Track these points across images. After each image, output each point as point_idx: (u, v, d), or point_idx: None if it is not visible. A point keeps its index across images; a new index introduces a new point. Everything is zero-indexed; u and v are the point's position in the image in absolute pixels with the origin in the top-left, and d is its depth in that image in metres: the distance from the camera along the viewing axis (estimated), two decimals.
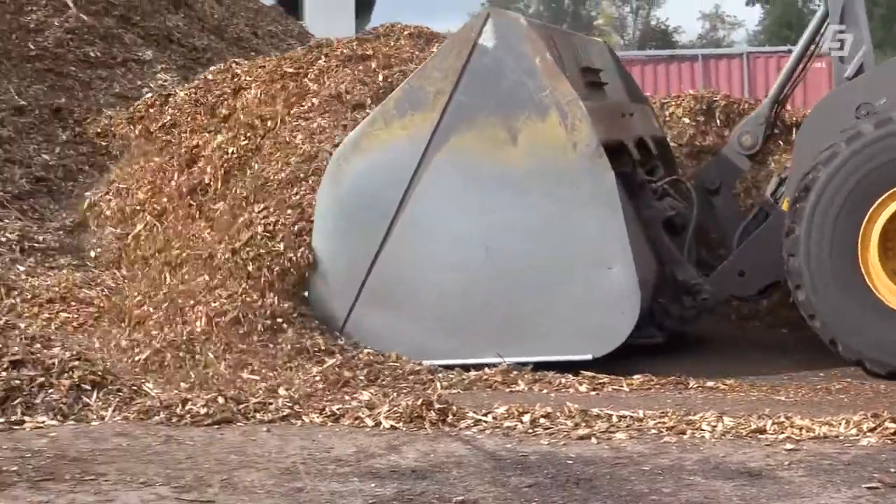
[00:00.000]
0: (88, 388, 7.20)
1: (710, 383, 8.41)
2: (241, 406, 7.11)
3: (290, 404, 7.21)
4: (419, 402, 7.03)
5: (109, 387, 7.27)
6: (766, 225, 9.51)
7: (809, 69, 10.27)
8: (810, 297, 8.69)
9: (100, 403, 7.12)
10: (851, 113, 9.21)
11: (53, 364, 7.27)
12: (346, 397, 7.61)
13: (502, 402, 7.39)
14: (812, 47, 10.02)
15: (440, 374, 8.26)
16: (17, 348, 7.38)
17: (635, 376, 8.46)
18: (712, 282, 9.52)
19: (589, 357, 8.49)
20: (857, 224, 8.58)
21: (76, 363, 7.33)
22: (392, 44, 10.88)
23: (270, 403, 7.19)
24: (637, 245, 8.85)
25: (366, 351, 8.45)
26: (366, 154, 8.87)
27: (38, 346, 7.62)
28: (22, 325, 8.01)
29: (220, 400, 7.13)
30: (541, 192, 8.66)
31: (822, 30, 9.77)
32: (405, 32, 11.16)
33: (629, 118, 10.03)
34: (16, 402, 6.96)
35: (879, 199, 8.56)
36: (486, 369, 8.39)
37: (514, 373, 8.38)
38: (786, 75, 10.21)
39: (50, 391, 7.09)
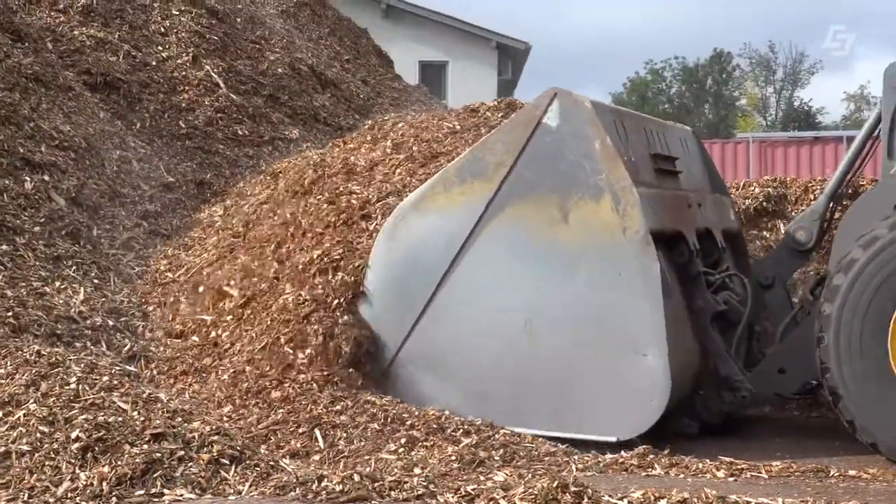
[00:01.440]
0: (227, 462, 7.28)
1: (851, 472, 8.25)
2: (376, 484, 7.13)
3: (425, 483, 7.21)
4: (555, 484, 6.98)
5: (247, 461, 7.35)
6: (806, 323, 9.46)
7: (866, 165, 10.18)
8: (834, 375, 8.70)
9: (237, 478, 7.19)
10: (891, 206, 9.21)
11: (193, 438, 7.38)
12: (481, 478, 7.59)
13: (638, 486, 7.30)
14: (870, 144, 9.95)
15: (576, 457, 8.21)
16: (158, 421, 7.51)
17: (774, 462, 8.34)
18: (753, 379, 9.53)
19: (613, 440, 8.58)
20: (886, 321, 8.58)
21: (216, 437, 7.43)
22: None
23: (406, 482, 7.21)
24: (681, 336, 9.01)
25: (502, 432, 8.44)
26: (423, 215, 9.11)
27: (180, 419, 7.76)
28: (164, 398, 8.15)
29: (356, 477, 7.16)
30: (586, 272, 8.79)
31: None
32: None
33: (697, 208, 10.06)
34: (156, 475, 7.06)
35: None
36: (623, 452, 8.32)
37: (651, 457, 8.31)
38: (843, 171, 10.18)
39: (189, 465, 7.19)
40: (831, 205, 10.22)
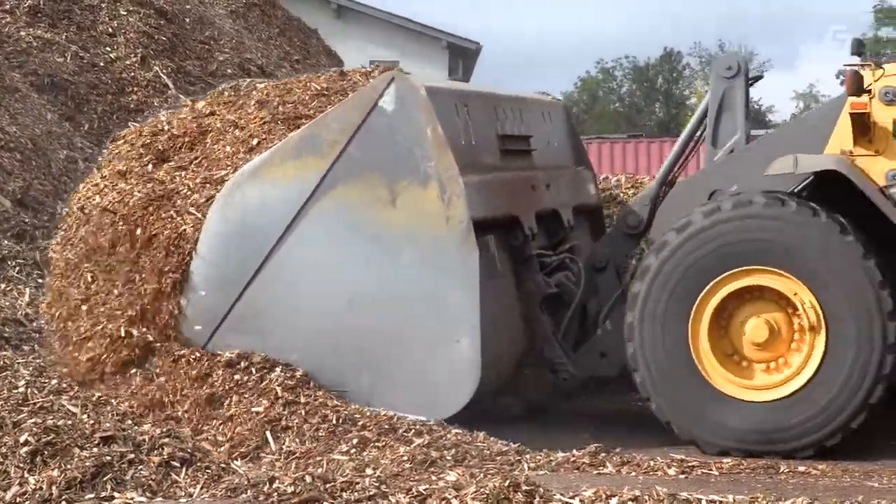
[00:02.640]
0: (177, 464, 7.25)
1: (801, 468, 8.32)
2: (328, 485, 7.12)
3: (377, 484, 7.20)
4: (506, 483, 6.99)
5: (198, 464, 7.32)
6: (617, 309, 9.75)
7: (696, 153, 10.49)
8: (637, 354, 9.00)
9: (188, 480, 7.17)
10: (705, 198, 9.47)
11: (144, 440, 7.35)
12: (433, 478, 7.59)
13: (590, 484, 7.32)
14: (699, 132, 10.23)
15: (527, 456, 8.22)
16: (108, 424, 7.46)
17: (725, 460, 8.41)
18: (575, 362, 9.82)
19: (424, 419, 8.69)
20: (688, 310, 8.88)
21: (166, 440, 7.40)
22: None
23: (357, 483, 7.19)
24: (505, 320, 9.36)
25: (454, 431, 8.45)
26: (259, 185, 9.15)
27: (129, 422, 7.72)
28: (114, 401, 8.10)
29: (308, 479, 7.14)
30: (410, 256, 8.94)
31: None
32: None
33: (544, 189, 10.36)
34: (106, 479, 7.02)
35: (707, 287, 8.86)
36: (575, 451, 8.34)
37: (603, 455, 8.33)
38: (673, 158, 10.47)
39: (140, 467, 7.15)
40: (663, 189, 10.36)
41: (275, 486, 7.05)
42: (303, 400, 8.64)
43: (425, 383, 8.86)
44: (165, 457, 7.25)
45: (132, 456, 7.20)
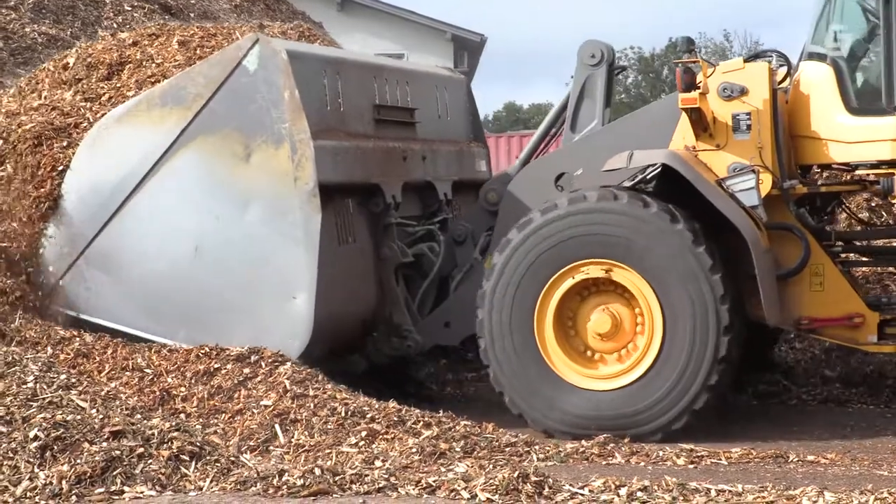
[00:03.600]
0: (187, 458, 7.27)
1: (810, 457, 8.31)
2: (337, 478, 7.12)
3: (386, 476, 7.21)
4: (515, 474, 6.99)
5: (208, 457, 7.33)
6: (471, 280, 10.11)
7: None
8: (488, 350, 9.30)
9: (198, 474, 7.18)
10: (552, 180, 9.95)
11: (153, 434, 7.36)
12: (443, 469, 7.60)
13: (599, 474, 7.33)
14: (563, 115, 10.50)
15: (536, 447, 8.22)
16: (117, 419, 7.47)
17: (734, 449, 8.39)
18: (421, 329, 10.19)
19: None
20: (532, 306, 9.19)
21: (175, 434, 7.41)
22: None
23: (367, 475, 7.20)
24: (351, 279, 9.77)
25: (462, 423, 8.45)
26: (124, 130, 9.55)
27: (139, 416, 7.73)
28: (123, 396, 8.11)
29: (317, 471, 7.15)
30: (257, 212, 9.30)
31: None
32: None
33: (419, 161, 10.72)
34: (116, 473, 7.03)
35: (549, 282, 9.18)
36: (584, 442, 8.33)
37: (611, 445, 8.34)
38: (537, 140, 10.80)
39: (149, 461, 7.16)
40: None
41: (284, 479, 7.06)
42: (311, 393, 8.65)
43: (263, 335, 9.17)
44: (175, 450, 7.27)
45: (142, 450, 7.21)
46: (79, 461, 7.05)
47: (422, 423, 8.42)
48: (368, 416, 8.45)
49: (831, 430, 9.33)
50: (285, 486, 7.01)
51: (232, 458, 7.41)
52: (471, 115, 11.95)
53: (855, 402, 10.34)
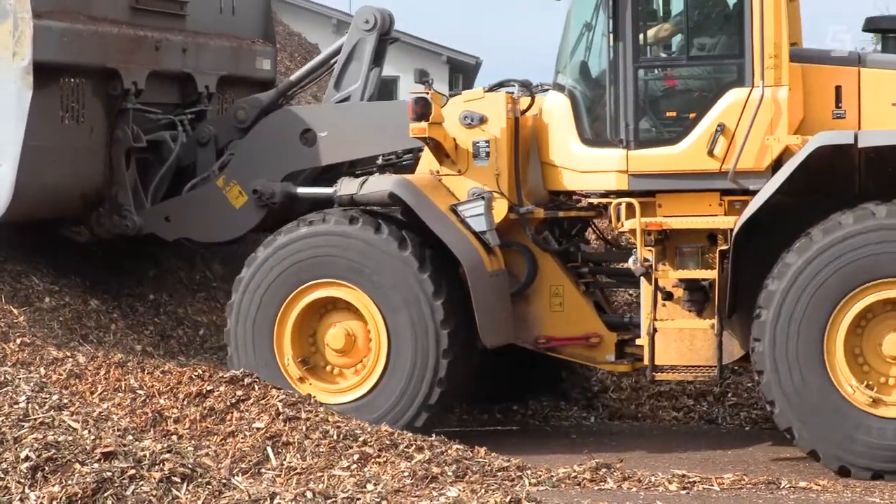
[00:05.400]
0: (178, 480, 7.24)
1: (802, 483, 8.31)
2: (328, 501, 7.11)
3: (378, 500, 7.20)
4: (507, 499, 7.00)
5: (199, 479, 7.31)
6: (201, 189, 10.76)
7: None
8: (233, 357, 9.86)
9: (189, 496, 7.15)
10: (297, 134, 10.52)
11: (145, 456, 7.34)
12: (434, 493, 7.59)
13: (591, 500, 7.34)
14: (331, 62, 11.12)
15: (528, 471, 8.21)
16: (109, 440, 7.46)
17: (726, 475, 8.38)
18: (143, 214, 10.75)
19: None
20: (272, 320, 9.76)
21: (167, 455, 7.39)
22: None
23: (358, 498, 7.19)
24: (70, 155, 10.21)
25: (454, 447, 8.44)
26: None
27: (131, 437, 7.71)
28: (115, 417, 8.09)
29: (309, 494, 7.14)
30: None
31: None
32: None
33: (176, 52, 11.02)
34: (107, 494, 7.01)
35: (288, 299, 9.74)
36: (576, 467, 8.33)
37: (604, 470, 8.33)
38: (299, 77, 11.37)
39: (141, 483, 7.14)
40: (280, 100, 11.25)
41: (276, 501, 7.05)
42: (304, 416, 8.65)
43: None
44: (166, 472, 7.24)
45: (133, 471, 7.18)
46: (70, 482, 7.03)
47: (414, 446, 8.41)
48: (360, 439, 8.44)
49: None
50: None
51: (224, 481, 7.39)
52: (263, 15, 12.24)
53: None
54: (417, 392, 9.51)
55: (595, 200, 9.84)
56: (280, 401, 8.77)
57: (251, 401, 8.82)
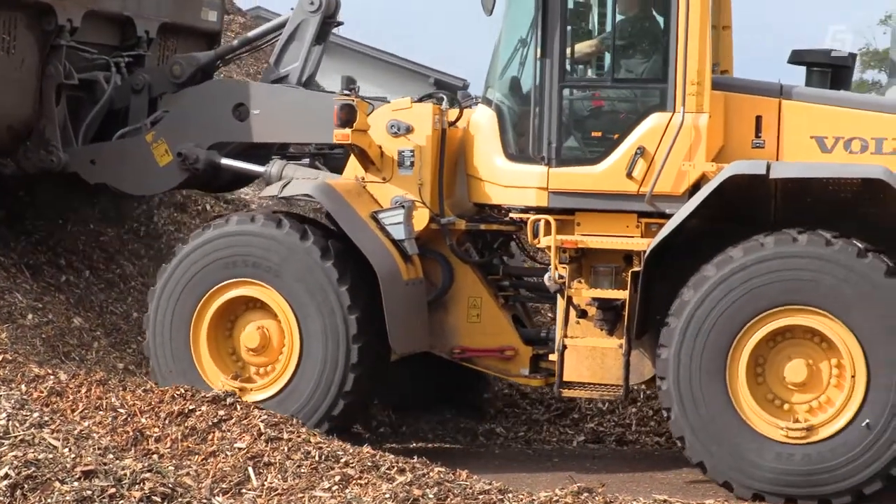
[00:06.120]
0: (158, 499, 7.24)
1: None
2: None
3: None
4: None
5: (180, 499, 7.30)
6: (130, 139, 10.91)
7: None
8: (150, 343, 9.92)
9: None
10: (230, 107, 10.70)
11: (125, 475, 7.32)
12: None
13: None
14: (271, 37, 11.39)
15: (510, 495, 8.20)
16: (89, 458, 7.43)
17: (707, 501, 8.42)
18: (70, 153, 10.88)
19: None
20: (190, 315, 9.81)
21: (147, 475, 7.38)
22: None
23: None
24: (4, 88, 10.41)
25: (436, 469, 8.42)
26: None
27: (111, 456, 7.69)
28: (96, 436, 8.07)
29: None
30: None
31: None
32: None
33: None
34: None
35: (207, 295, 9.79)
36: (557, 491, 8.31)
37: (585, 495, 8.31)
38: (237, 45, 11.74)
39: (121, 502, 7.13)
40: (217, 63, 11.61)
41: None
42: (285, 436, 8.63)
43: None
44: (147, 492, 7.23)
45: (113, 490, 7.18)
46: (49, 501, 7.02)
47: (396, 468, 8.40)
48: (342, 460, 8.42)
49: None
50: None
51: (204, 501, 7.38)
52: None
53: None
54: (321, 403, 9.54)
55: (516, 215, 9.95)
56: (262, 421, 8.76)
57: (233, 421, 8.81)
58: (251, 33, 11.81)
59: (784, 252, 8.81)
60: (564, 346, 9.53)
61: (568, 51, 9.63)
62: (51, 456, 7.41)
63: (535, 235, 9.60)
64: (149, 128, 10.91)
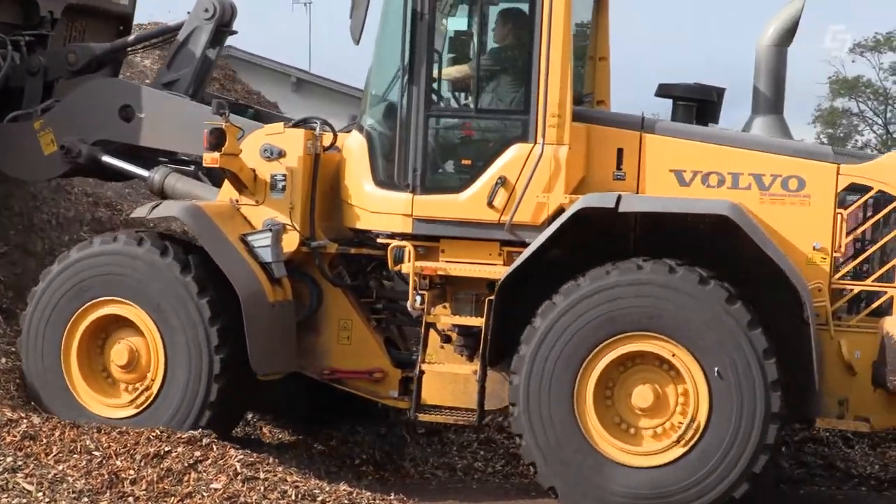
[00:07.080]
0: None
1: None
2: None
3: None
4: None
5: None
6: (19, 124, 11.09)
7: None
8: (22, 351, 10.18)
9: None
10: (116, 107, 10.87)
11: None
12: None
13: None
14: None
15: None
16: (64, 502, 7.38)
17: None
18: None
19: None
20: (62, 332, 10.04)
21: None
22: None
23: None
24: None
25: None
26: None
27: (86, 499, 7.63)
28: (70, 479, 8.00)
29: None
30: None
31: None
32: None
33: None
34: None
35: (79, 311, 10.03)
36: None
37: None
38: (139, 38, 11.90)
39: None
40: (124, 51, 11.96)
41: None
42: (262, 476, 8.62)
43: None
44: None
45: None
46: None
47: None
48: (319, 499, 8.41)
49: None
50: None
51: None
52: None
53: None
54: (197, 390, 9.74)
55: (383, 241, 10.06)
56: (238, 461, 8.74)
57: (209, 461, 8.78)
58: (147, 31, 12.02)
59: (628, 280, 8.98)
60: (422, 371, 9.77)
61: (434, 80, 9.78)
62: (24, 501, 7.41)
63: (397, 261, 9.80)
64: (38, 115, 11.09)
